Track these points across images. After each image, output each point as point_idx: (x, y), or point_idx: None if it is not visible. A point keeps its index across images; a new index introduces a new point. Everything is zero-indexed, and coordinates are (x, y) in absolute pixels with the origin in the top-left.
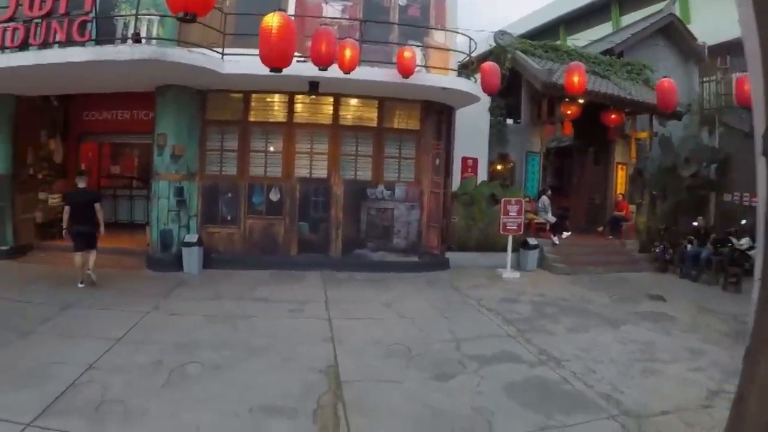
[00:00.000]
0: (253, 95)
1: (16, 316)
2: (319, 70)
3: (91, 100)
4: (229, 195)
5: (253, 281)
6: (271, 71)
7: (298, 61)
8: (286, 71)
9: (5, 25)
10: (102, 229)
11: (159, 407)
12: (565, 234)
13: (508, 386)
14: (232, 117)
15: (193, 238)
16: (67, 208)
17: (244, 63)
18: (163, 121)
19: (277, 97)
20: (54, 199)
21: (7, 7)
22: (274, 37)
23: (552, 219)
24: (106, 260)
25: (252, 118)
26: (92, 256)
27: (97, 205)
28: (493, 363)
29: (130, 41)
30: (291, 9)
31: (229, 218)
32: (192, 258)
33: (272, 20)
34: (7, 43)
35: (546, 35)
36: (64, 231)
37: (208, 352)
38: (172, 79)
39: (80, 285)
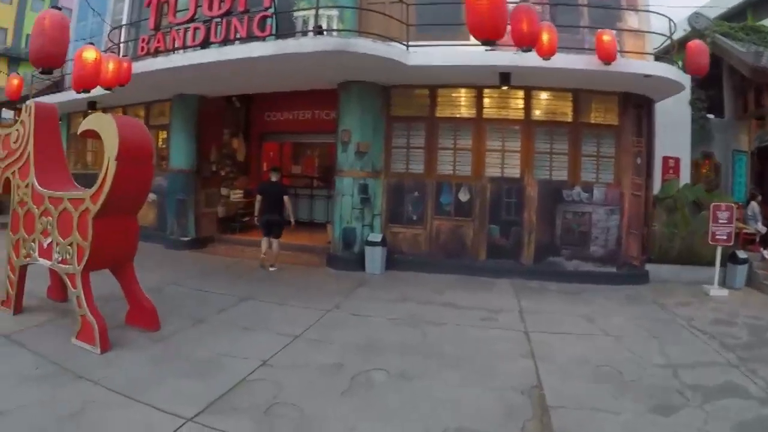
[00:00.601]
0: (439, 90)
1: (193, 304)
2: (522, 51)
3: (272, 101)
4: (416, 194)
5: (440, 285)
6: (483, 44)
7: (487, 50)
8: (476, 61)
9: (186, 25)
10: (292, 219)
11: (338, 417)
12: None
13: (739, 426)
14: (417, 113)
15: (377, 237)
16: (259, 198)
17: (430, 54)
18: (347, 117)
19: (464, 92)
20: (236, 195)
21: (187, 9)
22: (485, 4)
23: (763, 229)
24: (287, 257)
25: (439, 114)
26: (275, 246)
27: (285, 198)
28: (718, 396)
29: (311, 34)
30: None
31: (414, 218)
32: (375, 258)
33: None
34: (189, 42)
35: (731, 21)
36: (255, 218)
37: (394, 359)
38: (356, 73)
39: (265, 268)
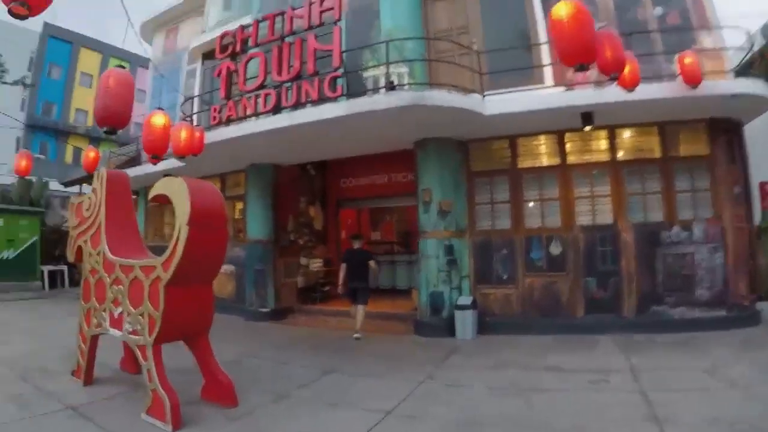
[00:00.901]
0: (519, 140)
1: (274, 378)
2: (609, 79)
3: (347, 166)
4: (504, 251)
5: (537, 347)
6: (576, 70)
7: (566, 89)
8: (556, 103)
9: (257, 92)
10: (378, 281)
11: None
12: None
13: None
14: (498, 166)
15: (467, 300)
16: (343, 266)
17: (507, 101)
18: (426, 176)
19: (544, 139)
20: (315, 264)
21: (256, 76)
22: (573, 28)
23: None
24: (371, 325)
25: (521, 165)
26: (361, 313)
27: (371, 263)
28: None
29: (383, 92)
30: (542, 35)
31: (505, 277)
32: (466, 322)
33: (561, 10)
34: (261, 108)
35: None
36: (339, 287)
37: None
38: (431, 129)
39: (356, 336)
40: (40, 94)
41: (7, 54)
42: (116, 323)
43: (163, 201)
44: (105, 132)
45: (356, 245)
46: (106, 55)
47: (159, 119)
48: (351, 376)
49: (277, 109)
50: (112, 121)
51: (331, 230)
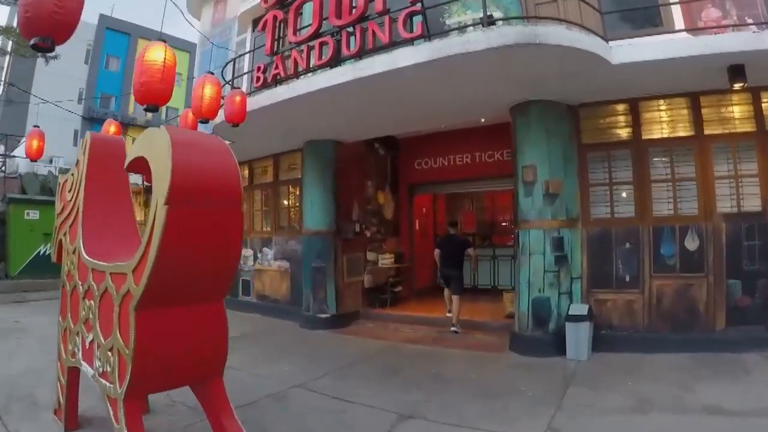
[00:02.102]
0: (642, 104)
1: (325, 428)
2: None
3: (422, 145)
4: (627, 246)
5: (676, 372)
6: None
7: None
8: (701, 49)
9: (311, 42)
10: (477, 266)
11: None
12: None
13: None
14: (617, 137)
15: (582, 309)
16: (437, 252)
17: (637, 48)
18: (527, 149)
19: (674, 103)
20: (385, 260)
21: (309, 24)
22: None
23: None
24: (456, 339)
25: (646, 135)
26: (456, 303)
27: (469, 250)
28: None
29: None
30: None
31: (627, 279)
32: (581, 338)
33: None
34: (315, 62)
35: None
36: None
37: None
38: (535, 87)
39: (452, 330)
40: (97, 86)
41: (62, 47)
42: (88, 355)
43: (143, 169)
44: (145, 109)
45: (452, 231)
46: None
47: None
48: (437, 424)
49: (336, 61)
50: (153, 97)
51: (403, 220)
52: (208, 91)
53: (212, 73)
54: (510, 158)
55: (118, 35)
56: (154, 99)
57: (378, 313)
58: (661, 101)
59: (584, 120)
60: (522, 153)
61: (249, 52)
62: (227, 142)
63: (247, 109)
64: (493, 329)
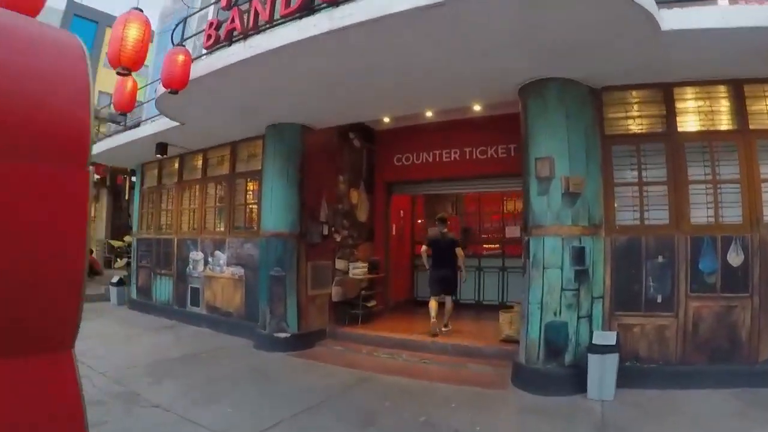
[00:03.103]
0: (677, 90)
1: None
2: None
3: (402, 138)
4: (659, 259)
5: (726, 419)
6: None
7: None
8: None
9: None
10: (464, 273)
11: None
12: None
13: None
14: (648, 128)
15: (608, 337)
16: (425, 248)
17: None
18: (543, 138)
19: (715, 91)
20: (357, 270)
21: None
22: None
23: None
24: (445, 370)
25: (682, 128)
26: (448, 303)
27: (458, 250)
28: None
29: None
30: None
31: (658, 299)
32: (607, 373)
33: None
34: (280, 11)
35: None
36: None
37: None
38: (553, 59)
39: (437, 334)
40: None
41: None
42: None
43: None
44: (118, 73)
45: (443, 229)
46: None
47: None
48: None
49: (307, 11)
50: (127, 61)
51: (378, 223)
52: (133, 32)
53: (140, 9)
54: (505, 154)
55: (85, 23)
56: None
57: (348, 333)
58: (698, 88)
59: (608, 106)
60: (535, 142)
61: (203, 8)
62: (175, 123)
63: (196, 75)
64: (488, 357)
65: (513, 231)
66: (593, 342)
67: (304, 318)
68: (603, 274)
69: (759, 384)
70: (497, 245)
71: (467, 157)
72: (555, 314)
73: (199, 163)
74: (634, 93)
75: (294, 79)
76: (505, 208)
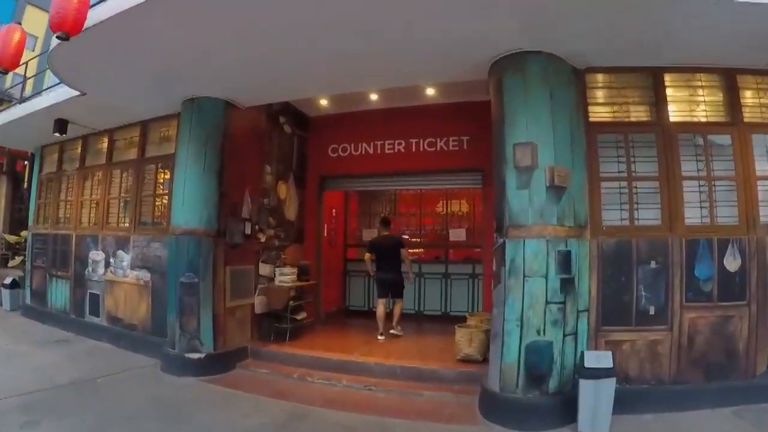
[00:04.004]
0: (668, 76)
1: None
2: None
3: (340, 125)
4: (652, 265)
5: None
6: None
7: None
8: None
9: None
10: (411, 276)
11: None
12: None
13: None
14: (636, 115)
15: (602, 359)
16: (368, 255)
17: None
18: (522, 119)
19: (707, 79)
20: (285, 276)
21: None
22: None
23: None
24: (393, 400)
25: (674, 117)
26: (397, 307)
27: (403, 251)
28: None
29: None
30: None
31: (650, 311)
32: (601, 401)
33: None
34: None
35: None
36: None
37: None
38: (545, 29)
39: (379, 338)
40: None
41: None
42: None
43: None
44: (58, 37)
45: (385, 231)
46: None
47: None
48: None
49: None
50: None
51: (310, 222)
52: None
53: None
54: (457, 147)
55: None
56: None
57: (275, 352)
58: (690, 76)
59: (593, 90)
60: (513, 126)
61: None
62: (75, 93)
63: (96, 20)
64: (446, 381)
65: (457, 234)
66: (585, 365)
67: (222, 334)
68: (588, 283)
69: (758, 399)
70: (441, 250)
71: (413, 149)
72: (538, 333)
73: (105, 145)
74: (620, 76)
75: (214, 40)
76: (449, 208)
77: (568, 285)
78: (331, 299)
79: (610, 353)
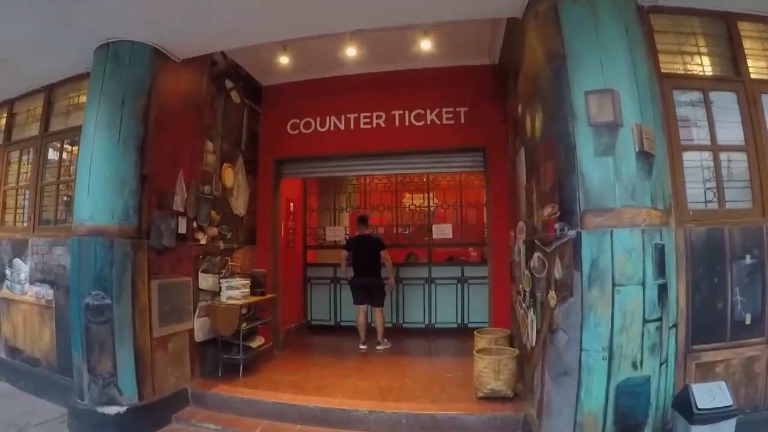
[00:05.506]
0: (743, 24)
1: None
2: None
3: (301, 95)
4: (747, 260)
5: None
6: None
7: None
8: None
9: None
10: (392, 280)
11: None
12: None
13: None
14: (711, 69)
15: (715, 395)
16: (344, 254)
17: None
18: (593, 59)
19: None
20: (234, 290)
21: None
22: None
23: None
24: None
25: (756, 74)
26: (379, 317)
27: (383, 253)
28: None
29: None
30: None
31: (746, 320)
32: None
33: None
34: None
35: None
36: (348, 279)
37: None
38: None
39: (362, 347)
40: None
41: None
42: None
43: None
44: None
45: (365, 231)
46: None
47: None
48: None
49: None
50: None
51: (263, 217)
52: None
53: None
54: (452, 120)
55: None
56: None
57: (226, 397)
58: (763, 26)
59: (660, 35)
60: (581, 66)
61: None
62: None
63: None
64: (469, 429)
65: (442, 231)
66: (697, 405)
67: (149, 376)
68: (676, 286)
69: None
70: (424, 250)
71: (396, 123)
72: (634, 366)
73: (3, 121)
74: (688, 19)
75: None
76: (431, 200)
77: (662, 294)
78: (290, 314)
79: (724, 384)
